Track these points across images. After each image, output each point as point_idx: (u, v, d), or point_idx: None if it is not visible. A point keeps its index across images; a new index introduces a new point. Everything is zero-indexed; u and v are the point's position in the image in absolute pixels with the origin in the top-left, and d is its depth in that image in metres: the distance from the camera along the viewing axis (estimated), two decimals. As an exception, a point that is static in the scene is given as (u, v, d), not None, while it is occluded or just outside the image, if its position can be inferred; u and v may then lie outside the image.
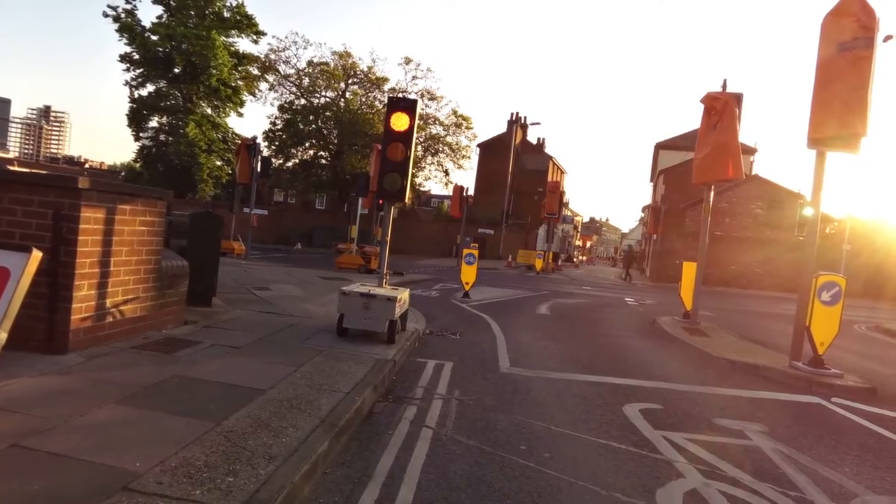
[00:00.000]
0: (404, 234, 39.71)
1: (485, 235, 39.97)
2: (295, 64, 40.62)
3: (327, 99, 41.33)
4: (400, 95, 31.23)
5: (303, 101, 40.91)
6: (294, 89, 41.05)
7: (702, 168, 10.48)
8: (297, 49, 47.38)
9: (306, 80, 40.78)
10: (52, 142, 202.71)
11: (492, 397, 5.15)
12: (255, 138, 20.63)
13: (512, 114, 49.13)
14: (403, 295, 7.00)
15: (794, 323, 7.38)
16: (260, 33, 36.38)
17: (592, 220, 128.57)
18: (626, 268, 32.73)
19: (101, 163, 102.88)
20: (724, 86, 12.54)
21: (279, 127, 40.16)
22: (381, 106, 39.35)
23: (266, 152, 34.88)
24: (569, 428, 4.42)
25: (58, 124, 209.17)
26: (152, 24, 33.04)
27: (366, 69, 40.74)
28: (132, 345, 5.20)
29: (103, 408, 3.60)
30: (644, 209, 58.16)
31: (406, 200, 7.14)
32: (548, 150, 54.51)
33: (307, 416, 3.79)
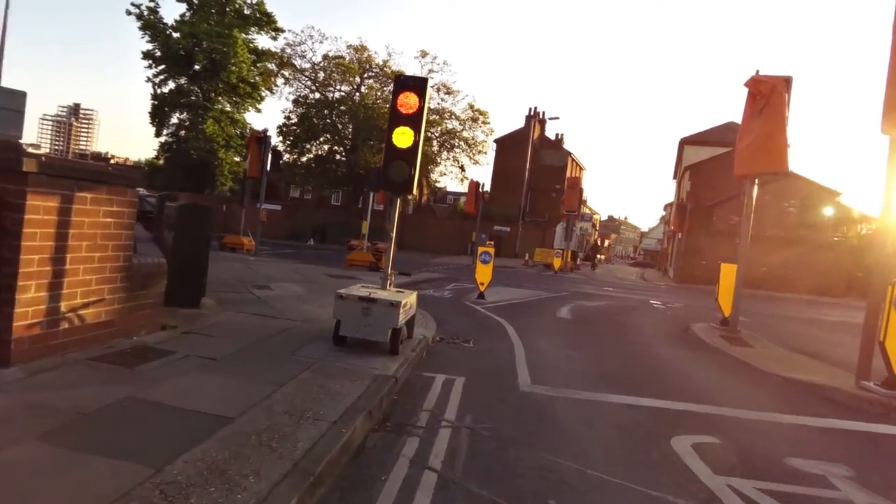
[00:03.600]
0: (419, 230, 38.82)
1: (501, 233, 38.94)
2: (310, 58, 40.04)
3: (342, 93, 40.67)
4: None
5: (317, 95, 40.30)
6: (309, 83, 40.48)
7: (744, 158, 9.44)
8: (312, 43, 46.57)
9: (321, 74, 40.16)
10: (82, 138, 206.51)
11: (511, 425, 4.30)
12: (265, 131, 19.97)
13: (530, 108, 48.02)
14: (409, 299, 6.18)
15: (862, 336, 6.37)
16: (279, 30, 35.97)
17: (611, 218, 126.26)
18: (592, 259, 39.27)
19: (126, 158, 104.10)
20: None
21: (293, 121, 39.59)
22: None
23: (280, 147, 34.38)
24: (607, 471, 3.55)
25: (86, 121, 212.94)
26: (175, 21, 32.96)
27: (381, 63, 39.96)
28: (90, 356, 4.47)
29: (19, 445, 2.85)
30: (666, 207, 56.49)
31: (413, 192, 6.33)
32: (567, 145, 53.21)
33: (277, 459, 2.99)
